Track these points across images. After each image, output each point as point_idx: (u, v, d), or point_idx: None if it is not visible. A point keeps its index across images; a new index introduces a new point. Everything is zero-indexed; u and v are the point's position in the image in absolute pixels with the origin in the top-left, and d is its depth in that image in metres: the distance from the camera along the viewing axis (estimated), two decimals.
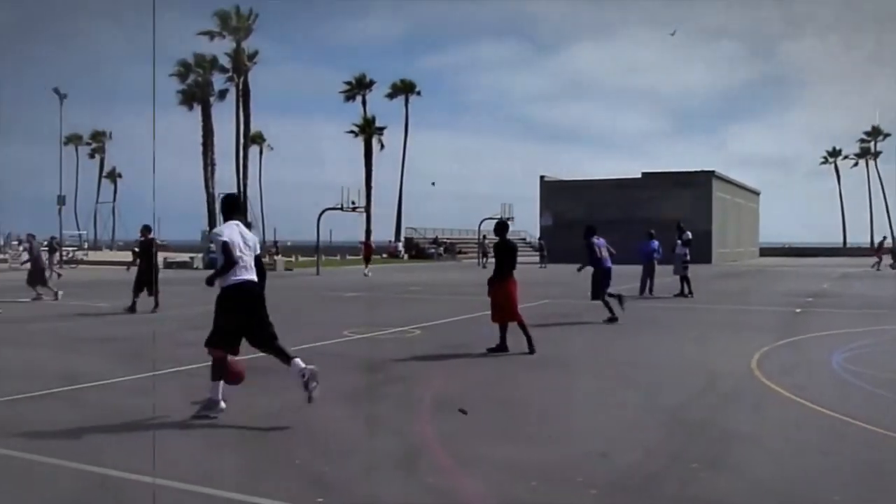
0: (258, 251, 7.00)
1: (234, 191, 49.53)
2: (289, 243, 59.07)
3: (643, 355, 10.80)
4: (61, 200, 48.27)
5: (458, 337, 12.34)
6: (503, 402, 7.77)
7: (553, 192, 52.65)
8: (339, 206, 36.71)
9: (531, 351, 10.26)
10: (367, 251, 36.38)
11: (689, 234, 21.55)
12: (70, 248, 50.47)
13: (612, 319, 13.96)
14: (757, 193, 66.26)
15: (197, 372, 6.79)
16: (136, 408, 7.11)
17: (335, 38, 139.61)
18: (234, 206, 7.24)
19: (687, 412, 7.21)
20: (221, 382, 6.76)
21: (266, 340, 6.79)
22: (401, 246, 61.73)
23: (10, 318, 15.02)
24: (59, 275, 30.14)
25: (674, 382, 8.58)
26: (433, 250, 59.17)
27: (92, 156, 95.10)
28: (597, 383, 8.59)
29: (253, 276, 6.82)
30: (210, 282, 6.84)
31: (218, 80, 53.42)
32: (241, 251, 6.72)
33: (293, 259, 46.00)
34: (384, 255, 55.64)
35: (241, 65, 51.66)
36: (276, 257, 42.85)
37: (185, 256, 41.92)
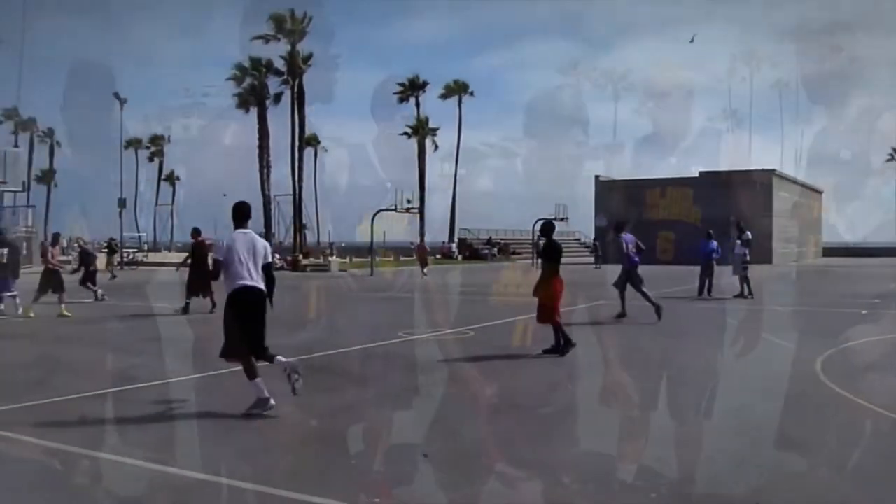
0: (269, 259, 7.26)
1: (290, 193, 50.23)
2: (343, 244, 59.57)
3: (702, 357, 10.54)
4: (122, 203, 49.35)
5: (513, 338, 12.24)
6: (558, 403, 7.67)
7: (608, 192, 51.92)
8: (394, 207, 36.89)
9: (563, 352, 10.17)
10: (422, 253, 36.39)
11: (749, 234, 21.05)
12: (130, 250, 51.59)
13: (658, 309, 13.90)
14: (819, 192, 64.51)
15: None
16: (193, 407, 7.22)
17: (388, 39, 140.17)
18: (243, 215, 7.40)
19: (749, 416, 7.00)
20: (261, 379, 6.86)
21: (259, 350, 6.99)
22: (454, 247, 61.76)
23: (74, 318, 15.40)
24: (114, 276, 30.79)
25: (735, 385, 8.35)
26: (487, 251, 59.02)
27: (151, 159, 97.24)
28: (655, 386, 8.39)
29: (255, 283, 7.04)
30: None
31: (273, 83, 54.07)
32: (243, 260, 6.99)
33: (347, 260, 46.36)
34: (438, 256, 55.72)
35: (295, 67, 52.16)
36: (330, 258, 43.23)
37: None
